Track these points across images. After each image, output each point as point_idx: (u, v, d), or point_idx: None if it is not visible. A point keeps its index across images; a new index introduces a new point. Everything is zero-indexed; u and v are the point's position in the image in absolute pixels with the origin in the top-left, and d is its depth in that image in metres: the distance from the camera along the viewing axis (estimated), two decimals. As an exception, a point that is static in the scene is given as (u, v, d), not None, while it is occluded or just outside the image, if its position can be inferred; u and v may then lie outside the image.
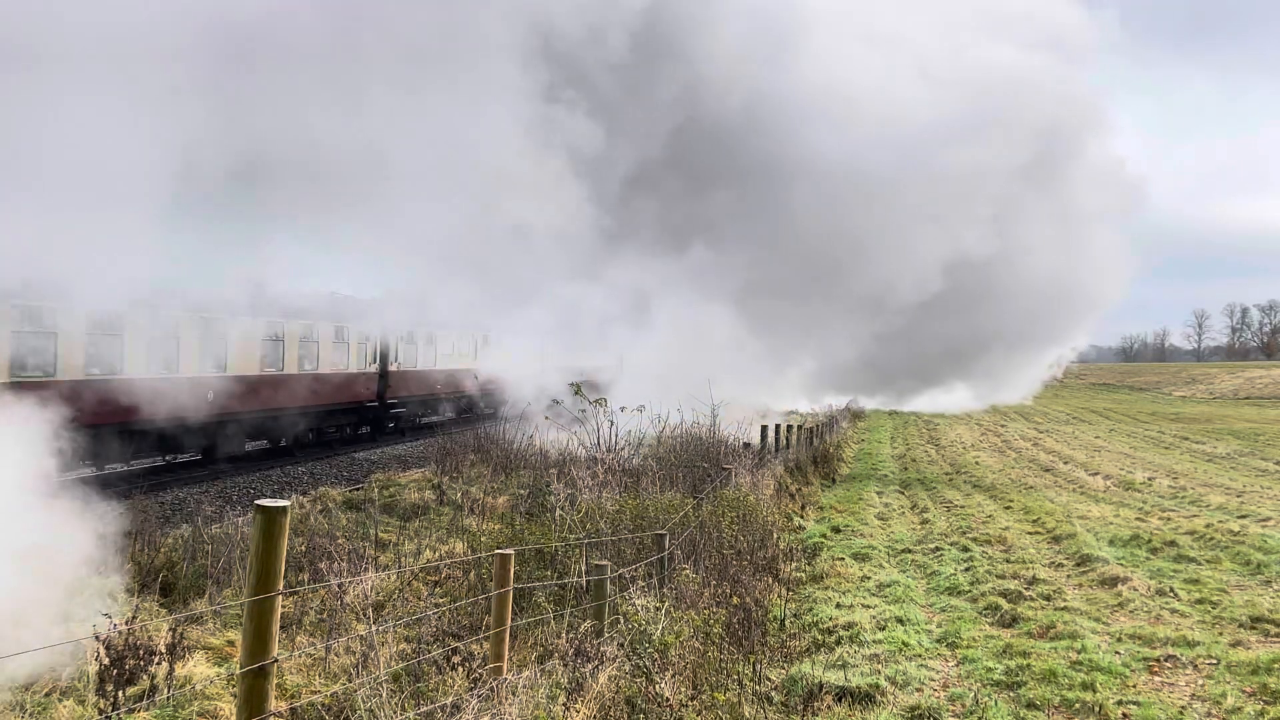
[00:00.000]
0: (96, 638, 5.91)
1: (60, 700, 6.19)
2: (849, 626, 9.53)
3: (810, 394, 36.94)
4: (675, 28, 23.78)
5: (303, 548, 9.90)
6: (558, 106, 20.57)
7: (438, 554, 11.12)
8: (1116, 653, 8.91)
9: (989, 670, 8.33)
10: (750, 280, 26.74)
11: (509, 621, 6.23)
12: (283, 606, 5.72)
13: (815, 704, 7.36)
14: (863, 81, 26.28)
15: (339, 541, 10.27)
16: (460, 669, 6.34)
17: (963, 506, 19.56)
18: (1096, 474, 27.73)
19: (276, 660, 4.08)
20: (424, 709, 5.55)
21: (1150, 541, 14.76)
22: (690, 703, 6.50)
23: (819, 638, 9.31)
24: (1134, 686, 8.00)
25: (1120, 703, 7.56)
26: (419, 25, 15.16)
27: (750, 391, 26.27)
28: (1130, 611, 10.62)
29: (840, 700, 7.44)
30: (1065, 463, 31.29)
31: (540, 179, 20.42)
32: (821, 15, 27.35)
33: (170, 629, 6.56)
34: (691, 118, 25.14)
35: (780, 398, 33.30)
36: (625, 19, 21.23)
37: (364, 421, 28.12)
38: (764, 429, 21.19)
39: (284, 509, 4.05)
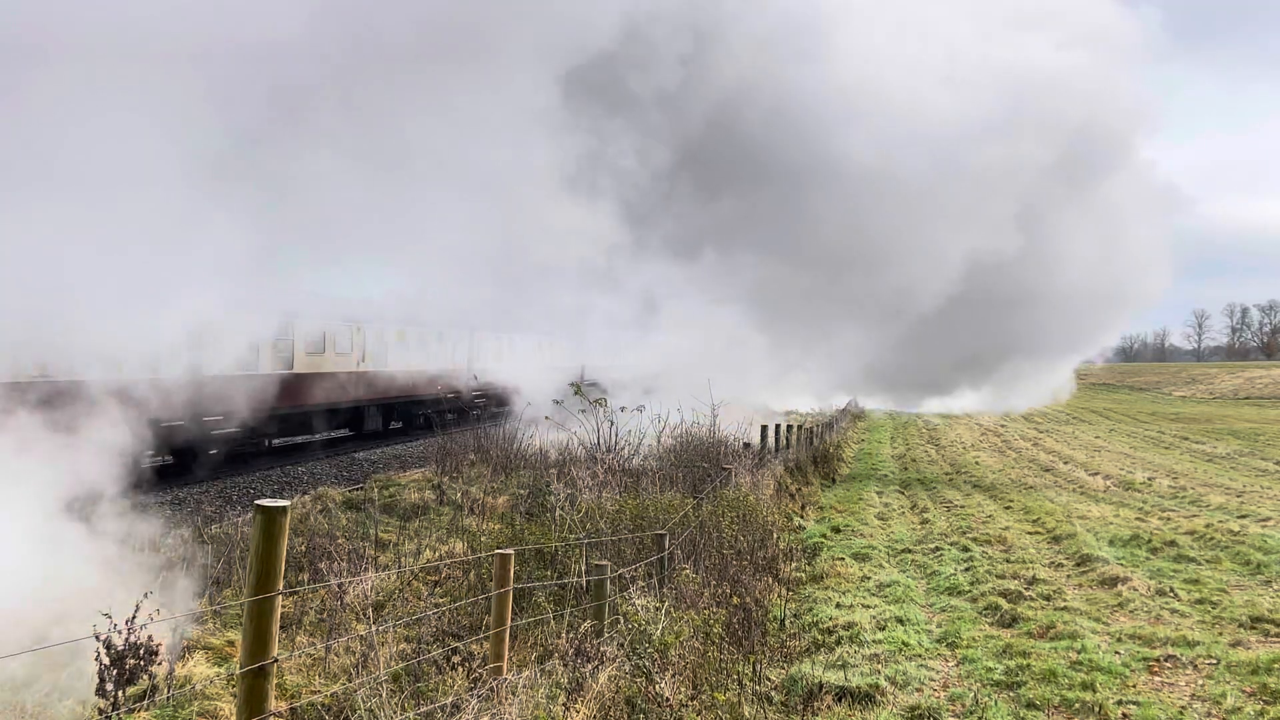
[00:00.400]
0: (96, 638, 5.91)
1: (60, 700, 6.20)
2: (849, 626, 9.53)
3: (821, 395, 36.70)
4: (701, 34, 23.21)
5: (303, 548, 9.89)
6: (584, 124, 20.34)
7: (438, 554, 11.11)
8: (1116, 653, 8.91)
9: (989, 670, 8.33)
10: (765, 283, 26.40)
11: (509, 621, 6.23)
12: (283, 606, 5.72)
13: (815, 704, 7.36)
14: (889, 79, 25.51)
15: (339, 541, 10.27)
16: (460, 669, 6.35)
17: (963, 506, 19.56)
18: (1096, 474, 27.74)
19: (276, 660, 4.09)
20: (424, 709, 5.56)
21: (1150, 541, 14.77)
22: (690, 703, 6.50)
23: (819, 638, 9.31)
24: (1134, 686, 8.00)
25: (1120, 703, 7.56)
26: (440, 34, 15.06)
27: (758, 393, 26.07)
28: (1130, 611, 10.62)
29: (840, 700, 7.44)
30: (1065, 463, 31.29)
31: (563, 198, 20.30)
32: (848, 13, 26.66)
33: (171, 629, 6.56)
34: (714, 122, 24.59)
35: (790, 398, 33.06)
36: (652, 29, 20.82)
37: None
38: (764, 429, 21.20)
39: (284, 509, 4.05)
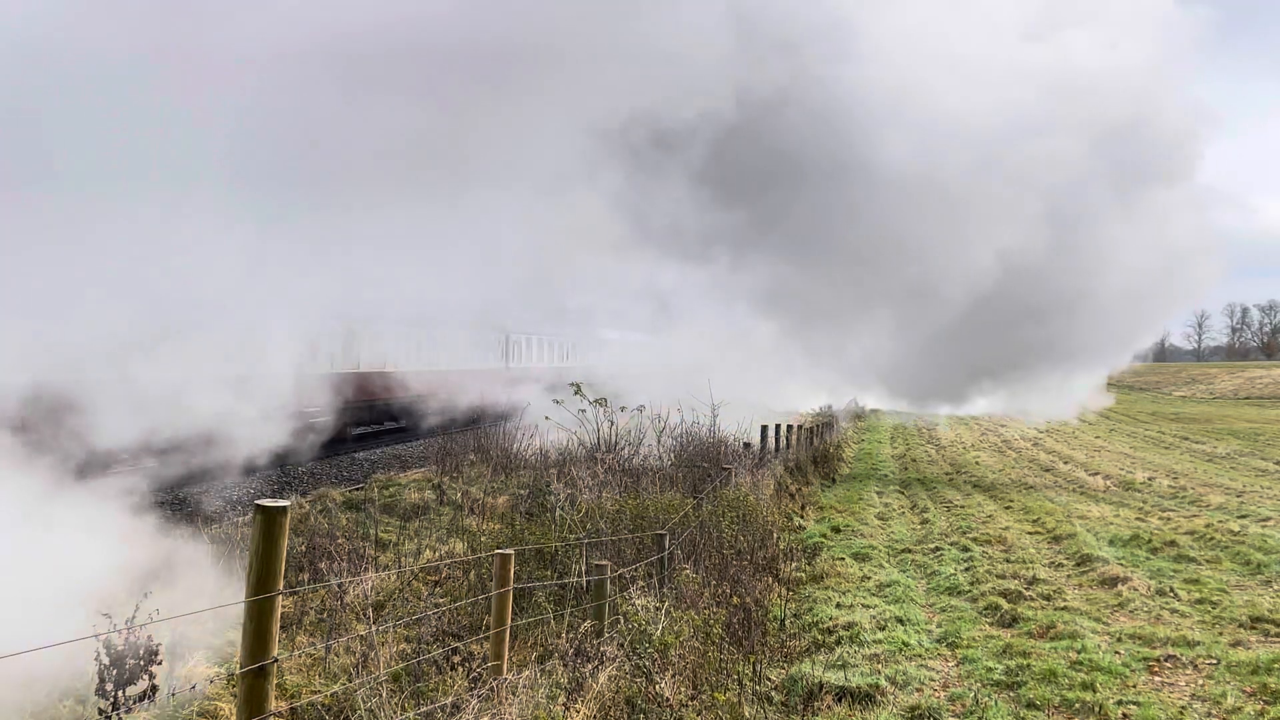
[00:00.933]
0: (96, 637, 5.90)
1: (60, 700, 6.20)
2: (849, 626, 9.53)
3: (836, 397, 36.35)
4: (746, 55, 22.63)
5: (303, 548, 9.89)
6: (627, 157, 20.15)
7: (438, 554, 11.11)
8: (1116, 653, 8.91)
9: (989, 670, 8.33)
10: (782, 285, 26.09)
11: (509, 621, 6.23)
12: (283, 606, 5.72)
13: (815, 704, 7.36)
14: (922, 78, 24.83)
15: (339, 541, 10.26)
16: (460, 669, 6.34)
17: (963, 506, 19.56)
18: (1096, 474, 27.72)
19: (276, 660, 4.09)
20: (424, 709, 5.56)
21: (1150, 541, 14.77)
22: (690, 703, 6.50)
23: (819, 638, 9.32)
24: (1134, 686, 8.00)
25: (1120, 703, 7.56)
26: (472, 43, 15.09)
27: (773, 395, 25.79)
28: (1130, 611, 10.62)
29: (840, 700, 7.44)
30: (1065, 462, 31.28)
31: (600, 217, 20.20)
32: (884, 11, 25.92)
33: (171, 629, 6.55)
34: (742, 124, 24.13)
35: (805, 400, 32.71)
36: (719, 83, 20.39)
37: None
38: (764, 429, 21.21)
39: (284, 509, 4.06)
